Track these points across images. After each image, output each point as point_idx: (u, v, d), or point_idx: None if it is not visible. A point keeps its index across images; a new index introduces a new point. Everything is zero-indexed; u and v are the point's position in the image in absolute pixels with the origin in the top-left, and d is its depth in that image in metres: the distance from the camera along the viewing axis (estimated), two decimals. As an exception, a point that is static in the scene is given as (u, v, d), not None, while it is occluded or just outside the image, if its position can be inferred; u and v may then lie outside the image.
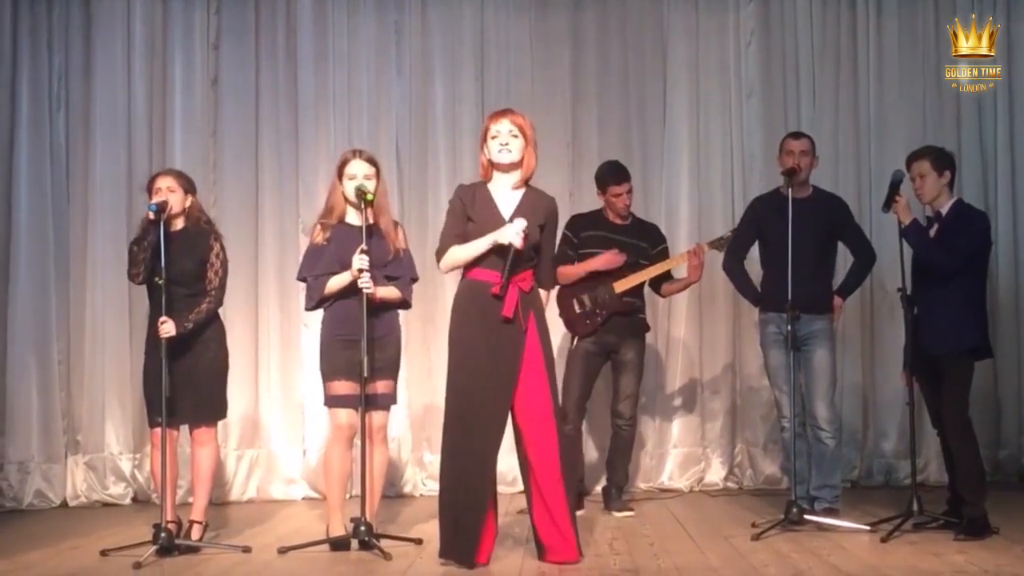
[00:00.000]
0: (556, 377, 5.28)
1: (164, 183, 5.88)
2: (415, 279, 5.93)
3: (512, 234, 4.99)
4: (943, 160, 5.90)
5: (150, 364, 5.86)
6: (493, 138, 5.11)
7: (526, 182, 5.22)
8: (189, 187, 5.97)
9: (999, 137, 7.99)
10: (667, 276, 6.86)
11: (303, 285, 5.90)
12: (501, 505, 5.59)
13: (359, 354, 5.51)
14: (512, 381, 5.02)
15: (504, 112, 5.20)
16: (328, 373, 5.72)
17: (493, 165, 5.16)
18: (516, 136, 5.11)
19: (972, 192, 7.60)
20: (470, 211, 5.16)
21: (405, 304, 5.88)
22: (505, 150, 5.09)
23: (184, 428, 6.00)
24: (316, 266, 5.73)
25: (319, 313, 5.85)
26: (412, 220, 7.84)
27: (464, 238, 5.13)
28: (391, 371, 5.79)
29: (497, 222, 5.06)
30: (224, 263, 5.97)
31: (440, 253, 5.22)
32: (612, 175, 6.82)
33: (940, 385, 5.83)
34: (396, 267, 5.78)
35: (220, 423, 6.14)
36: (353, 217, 5.78)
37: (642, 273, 6.74)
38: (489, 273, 5.05)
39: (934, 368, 5.84)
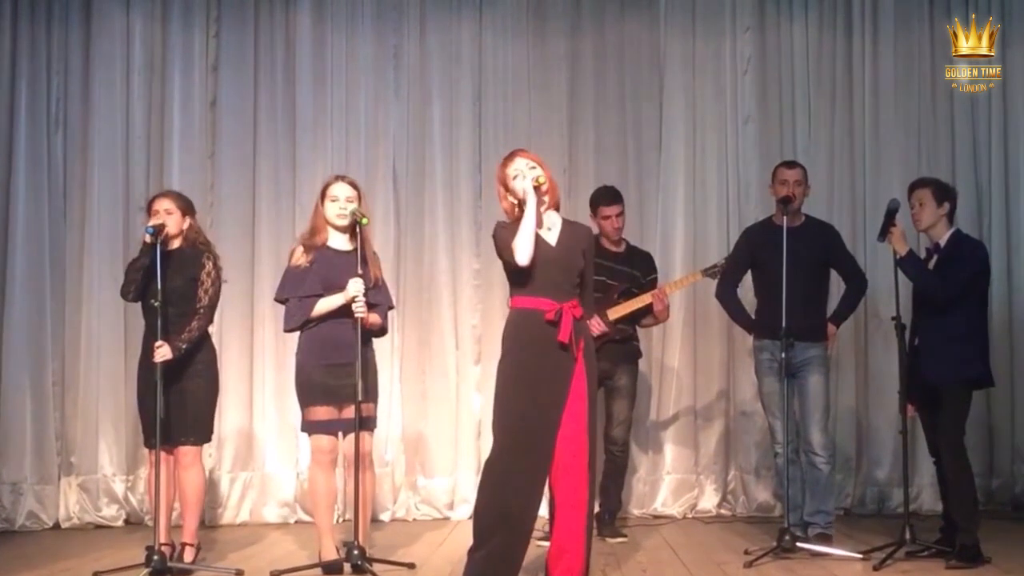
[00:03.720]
0: (597, 408, 5.26)
1: (162, 205, 5.90)
2: (391, 307, 6.00)
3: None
4: (945, 192, 5.95)
5: (144, 384, 5.87)
6: (515, 178, 5.08)
7: (557, 207, 5.18)
8: (187, 209, 6.00)
9: (993, 165, 8.01)
10: (648, 310, 6.86)
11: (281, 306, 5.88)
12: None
13: (344, 379, 5.53)
14: (560, 407, 4.96)
15: (514, 154, 5.17)
16: (308, 399, 5.72)
17: (521, 204, 5.05)
18: (534, 167, 5.10)
19: (966, 221, 7.58)
20: None
21: (383, 331, 5.93)
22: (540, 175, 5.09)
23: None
24: (299, 288, 5.73)
25: (296, 335, 5.85)
26: (409, 242, 7.86)
27: None
28: (373, 395, 5.81)
29: (544, 247, 5.01)
30: (215, 283, 5.97)
31: (507, 250, 4.98)
32: (603, 197, 6.89)
33: (939, 413, 5.84)
34: (376, 295, 5.80)
35: (206, 445, 6.15)
36: (336, 241, 5.80)
37: (634, 301, 6.76)
38: (539, 301, 4.99)
39: (933, 396, 5.85)
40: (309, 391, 5.70)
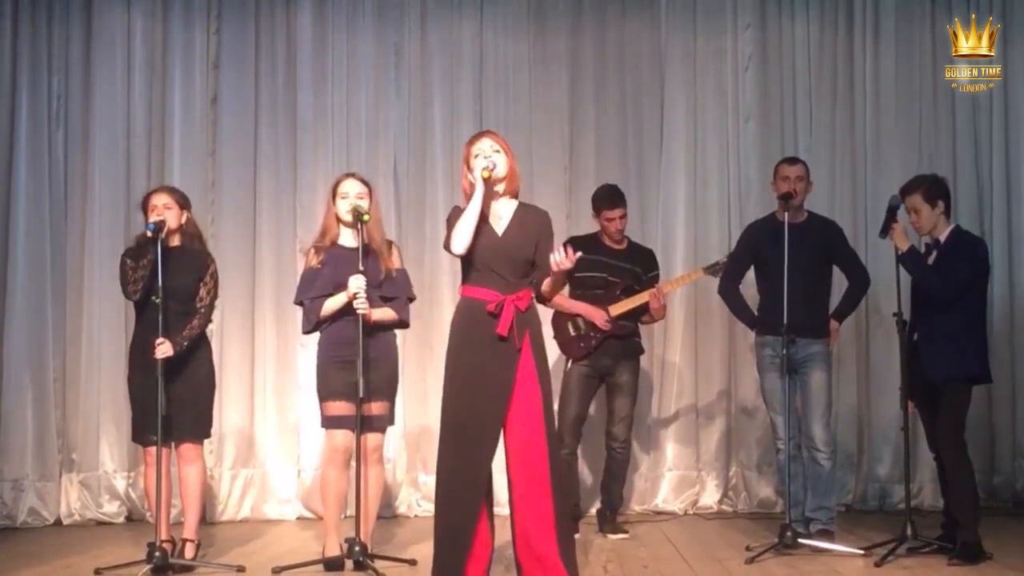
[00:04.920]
0: (553, 398, 5.25)
1: (160, 200, 5.89)
2: (411, 299, 5.97)
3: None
4: (935, 191, 5.91)
5: (138, 382, 5.87)
6: (475, 157, 5.08)
7: (515, 196, 5.19)
8: (185, 203, 5.99)
9: (995, 163, 8.03)
10: (646, 308, 6.85)
11: (300, 308, 5.90)
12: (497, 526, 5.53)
13: (355, 375, 5.52)
14: (505, 399, 4.94)
15: (481, 134, 5.18)
16: (324, 394, 5.75)
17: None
18: (498, 151, 5.10)
19: (968, 218, 7.63)
20: None
21: (402, 324, 5.91)
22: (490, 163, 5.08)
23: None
24: (312, 289, 5.76)
25: (317, 334, 5.86)
26: (410, 241, 7.85)
27: None
28: (387, 392, 5.80)
29: (490, 236, 5.00)
30: (217, 283, 6.00)
31: (447, 241, 5.04)
32: (605, 199, 6.86)
33: (938, 410, 5.85)
34: (391, 287, 5.81)
35: (207, 441, 6.15)
36: (347, 238, 5.82)
37: (636, 298, 6.76)
38: (485, 291, 4.99)
39: (933, 393, 5.85)
40: (326, 386, 5.74)
